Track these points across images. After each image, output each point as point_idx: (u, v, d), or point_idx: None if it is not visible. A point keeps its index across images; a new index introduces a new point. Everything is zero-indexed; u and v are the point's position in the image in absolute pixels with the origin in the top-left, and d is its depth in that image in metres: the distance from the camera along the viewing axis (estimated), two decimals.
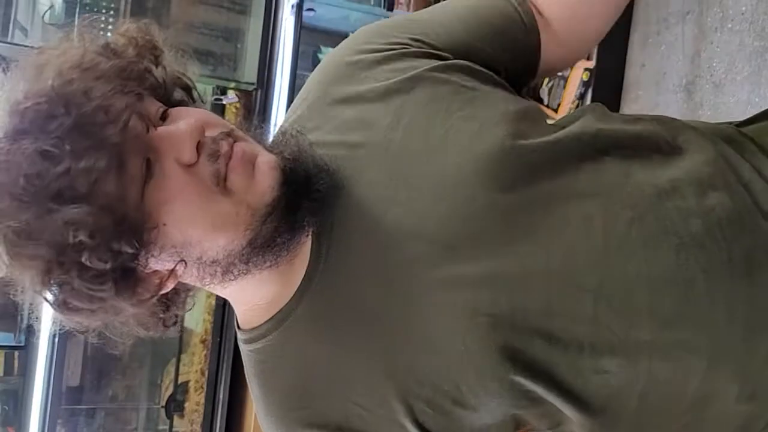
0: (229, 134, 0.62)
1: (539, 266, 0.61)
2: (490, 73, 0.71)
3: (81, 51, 0.62)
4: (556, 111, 2.56)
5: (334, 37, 2.85)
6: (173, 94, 0.69)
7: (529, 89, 2.89)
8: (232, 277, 0.64)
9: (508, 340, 0.61)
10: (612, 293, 0.61)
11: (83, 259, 0.56)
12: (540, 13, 0.74)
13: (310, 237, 0.65)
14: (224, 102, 2.71)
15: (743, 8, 2.01)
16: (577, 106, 2.48)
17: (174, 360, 2.57)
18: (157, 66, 0.66)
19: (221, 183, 0.60)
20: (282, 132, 0.69)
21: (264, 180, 0.60)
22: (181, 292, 0.69)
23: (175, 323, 0.69)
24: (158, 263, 0.62)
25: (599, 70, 2.43)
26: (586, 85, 2.44)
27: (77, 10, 2.93)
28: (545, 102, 2.62)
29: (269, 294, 0.66)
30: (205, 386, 2.60)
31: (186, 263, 0.62)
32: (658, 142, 0.68)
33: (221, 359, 2.55)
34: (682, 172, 0.66)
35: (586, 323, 0.61)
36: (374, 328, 0.64)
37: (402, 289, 0.63)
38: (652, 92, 2.34)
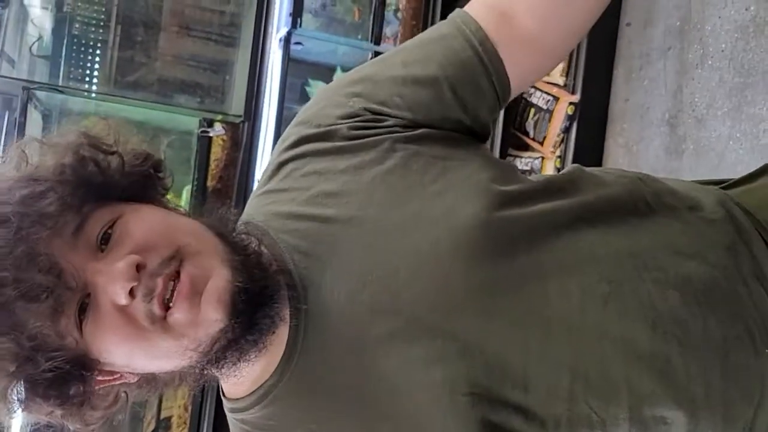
0: (175, 255, 0.59)
1: (517, 342, 0.61)
2: (457, 134, 0.69)
3: (8, 185, 0.59)
4: (541, 144, 2.59)
5: (322, 70, 2.87)
6: (134, 182, 0.66)
7: (514, 122, 2.92)
8: (191, 381, 0.65)
9: (487, 415, 0.61)
10: (589, 369, 0.61)
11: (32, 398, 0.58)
12: (516, 33, 0.68)
13: (287, 316, 0.64)
14: (211, 134, 2.72)
15: (723, 45, 2.06)
16: (563, 140, 2.50)
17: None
18: (105, 165, 0.64)
19: (157, 322, 0.58)
20: (247, 223, 0.67)
21: (210, 314, 0.58)
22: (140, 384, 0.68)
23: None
24: (107, 374, 0.63)
25: (584, 104, 2.46)
26: (571, 118, 2.47)
27: (65, 41, 2.94)
28: (531, 135, 2.64)
29: (251, 371, 0.66)
30: (188, 422, 2.55)
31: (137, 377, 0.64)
32: (636, 203, 0.67)
33: (205, 394, 2.50)
34: (659, 239, 0.66)
35: (562, 399, 0.61)
36: (354, 405, 0.64)
37: (380, 366, 0.62)
38: (637, 126, 2.37)
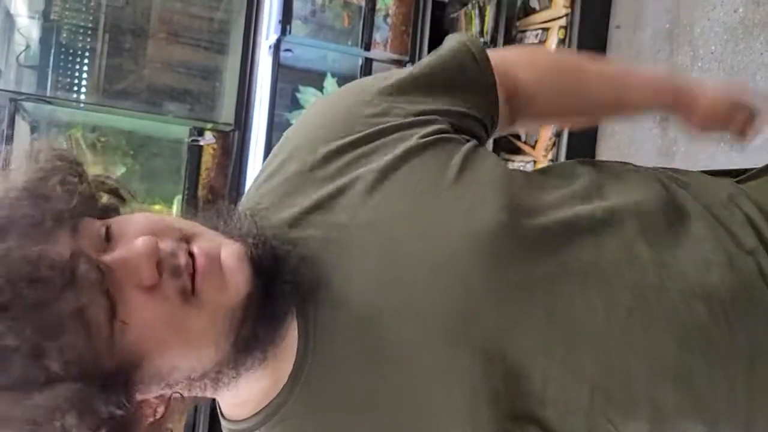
0: (182, 238, 0.57)
1: (538, 351, 0.58)
2: (472, 138, 0.70)
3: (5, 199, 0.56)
4: (533, 147, 2.59)
5: (312, 76, 2.86)
6: (103, 201, 0.64)
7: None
8: (223, 385, 0.60)
9: (504, 427, 0.59)
10: (610, 383, 0.59)
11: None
12: (516, 92, 0.74)
13: (296, 326, 0.62)
14: (201, 143, 2.70)
15: (712, 47, 2.06)
16: (554, 144, 2.50)
17: None
18: (82, 182, 0.61)
19: (190, 297, 0.55)
20: (243, 213, 0.65)
21: (235, 277, 0.56)
22: (172, 408, 0.63)
23: None
24: (146, 394, 0.58)
25: None
26: None
27: (52, 51, 2.91)
28: (522, 138, 2.64)
29: (257, 389, 0.63)
30: None
31: (174, 388, 0.59)
32: (661, 208, 0.65)
33: (197, 420, 2.48)
34: (686, 248, 0.63)
35: (581, 414, 0.59)
36: (369, 417, 0.61)
37: (396, 376, 0.60)
38: (628, 128, 2.37)
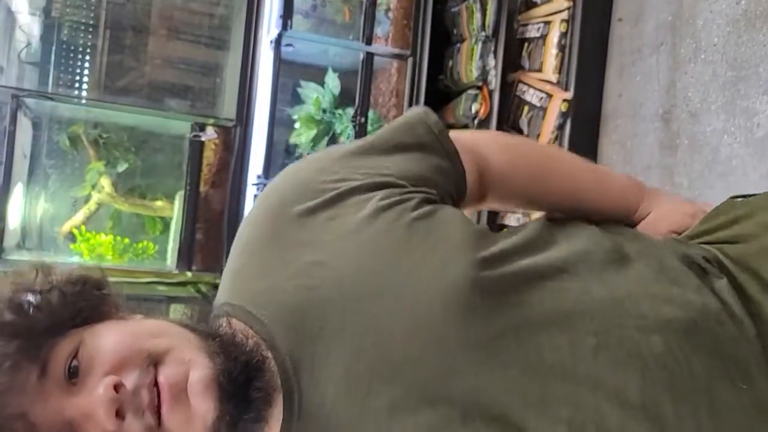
0: (150, 362, 0.60)
1: (515, 400, 0.61)
2: (435, 197, 0.73)
3: None
4: (537, 140, 2.58)
5: (314, 71, 2.86)
6: (82, 307, 0.65)
7: (508, 119, 2.89)
8: None
9: None
10: (586, 421, 0.61)
11: None
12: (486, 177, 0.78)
13: (281, 395, 0.64)
14: (203, 138, 2.70)
15: (715, 39, 2.05)
16: (557, 137, 2.49)
17: None
18: (45, 304, 0.63)
19: (156, 430, 0.58)
20: (220, 308, 0.67)
21: (201, 406, 0.59)
22: None
23: None
24: None
25: (577, 100, 2.45)
26: (564, 116, 2.46)
27: (54, 47, 2.92)
28: (525, 132, 2.63)
29: None
30: None
31: None
32: (607, 253, 0.70)
33: None
34: (636, 286, 0.68)
35: None
36: None
37: None
38: (630, 122, 2.37)
